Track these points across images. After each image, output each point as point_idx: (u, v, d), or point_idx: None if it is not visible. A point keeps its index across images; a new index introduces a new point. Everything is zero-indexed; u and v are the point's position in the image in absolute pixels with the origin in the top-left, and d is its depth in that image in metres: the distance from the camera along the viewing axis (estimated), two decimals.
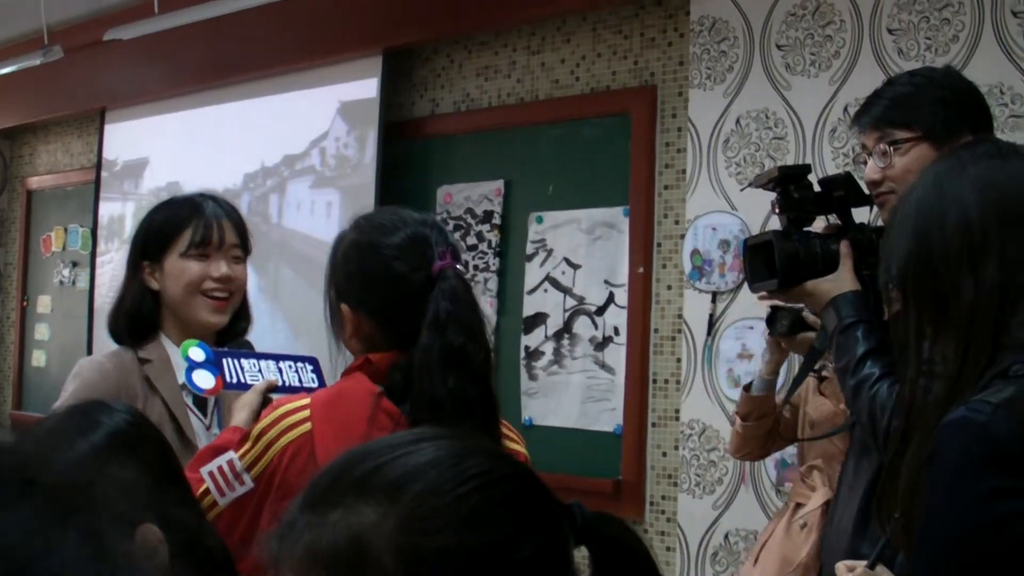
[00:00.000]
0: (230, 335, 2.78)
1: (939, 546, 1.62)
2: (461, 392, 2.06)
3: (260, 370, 2.49)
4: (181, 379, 2.56)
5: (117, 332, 2.75)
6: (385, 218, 2.24)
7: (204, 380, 2.46)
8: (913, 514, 1.68)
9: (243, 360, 2.50)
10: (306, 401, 2.16)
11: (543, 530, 1.07)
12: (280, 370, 2.50)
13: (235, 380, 2.47)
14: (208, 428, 2.65)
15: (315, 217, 5.58)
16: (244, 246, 2.76)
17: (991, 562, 1.58)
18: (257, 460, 2.14)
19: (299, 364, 2.53)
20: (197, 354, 2.48)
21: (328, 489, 1.05)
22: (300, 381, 2.50)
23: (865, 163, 2.53)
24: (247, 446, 2.16)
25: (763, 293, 2.65)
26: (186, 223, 2.70)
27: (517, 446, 2.25)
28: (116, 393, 2.55)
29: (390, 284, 2.15)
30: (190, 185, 6.05)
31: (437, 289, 2.09)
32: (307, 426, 2.11)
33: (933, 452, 1.64)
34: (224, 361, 2.48)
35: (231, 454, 2.16)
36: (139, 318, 2.71)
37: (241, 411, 2.33)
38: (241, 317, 2.80)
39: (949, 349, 1.74)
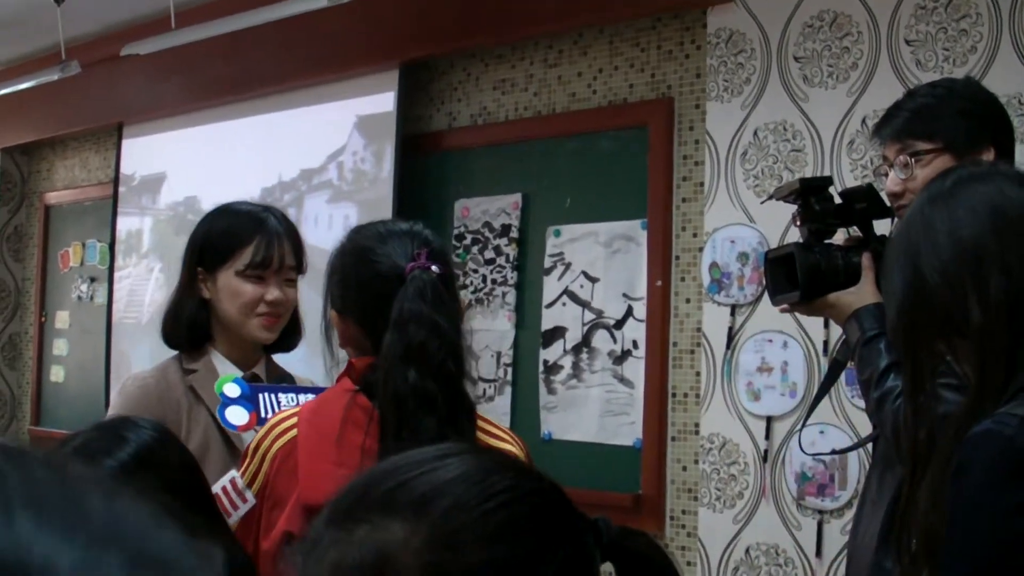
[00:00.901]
0: (278, 349, 2.80)
1: (964, 559, 1.61)
2: (421, 387, 2.07)
3: (297, 404, 2.46)
4: None
5: (175, 339, 2.73)
6: (372, 227, 2.29)
7: (237, 416, 2.44)
8: (935, 529, 1.67)
9: (280, 395, 2.48)
10: (297, 409, 2.21)
11: (569, 545, 1.06)
12: None
13: (270, 415, 2.44)
14: None
15: (332, 231, 5.57)
16: (299, 267, 2.75)
17: None
18: (256, 474, 2.17)
19: None
20: (232, 390, 2.46)
21: (353, 505, 1.04)
22: None
23: (886, 175, 2.52)
24: (247, 462, 2.18)
25: (784, 306, 2.64)
26: (247, 239, 2.66)
27: (512, 447, 2.25)
28: (158, 406, 2.55)
29: (367, 286, 2.19)
30: (208, 200, 6.07)
31: (402, 289, 2.11)
32: (293, 432, 2.15)
33: (959, 466, 1.63)
34: (260, 396, 2.46)
35: (233, 472, 2.19)
36: (197, 327, 2.69)
37: None
38: (293, 332, 2.80)
39: (966, 365, 1.73)
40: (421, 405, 2.07)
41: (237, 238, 2.67)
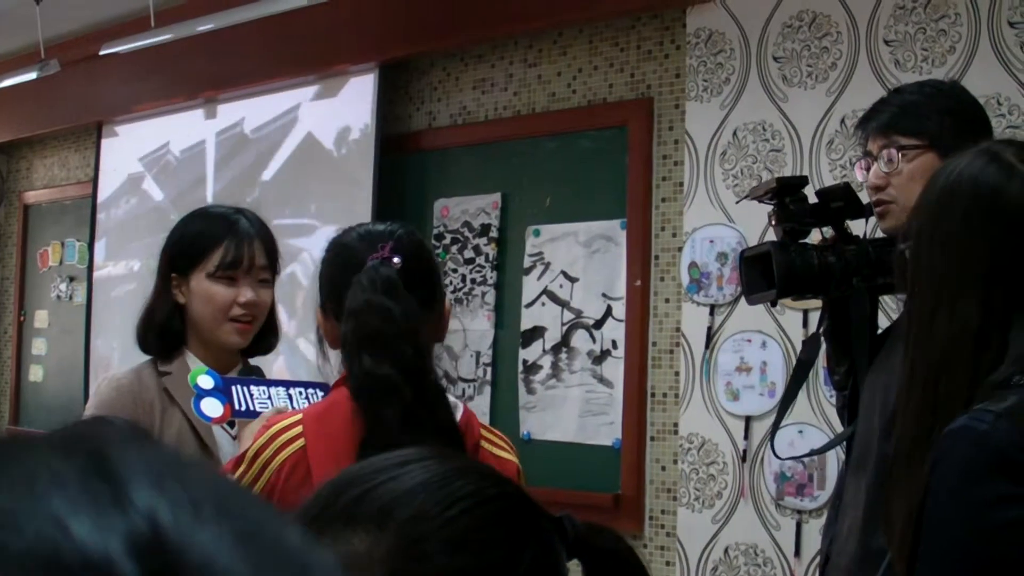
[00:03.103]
0: (256, 351, 2.78)
1: (943, 554, 1.62)
2: (378, 374, 2.04)
3: (270, 397, 2.45)
4: None
5: (147, 345, 2.72)
6: (354, 228, 2.27)
7: (212, 408, 2.43)
8: (915, 525, 1.67)
9: (252, 387, 2.47)
10: (299, 417, 2.15)
11: (534, 547, 1.05)
12: (290, 396, 2.46)
13: (244, 407, 2.43)
14: (235, 439, 2.61)
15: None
16: (273, 268, 2.74)
17: (995, 569, 1.58)
18: (255, 481, 2.12)
19: (309, 390, 2.49)
20: (206, 382, 2.44)
21: (316, 518, 1.03)
22: None
23: (867, 168, 2.52)
24: (243, 468, 2.14)
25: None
26: (217, 241, 2.66)
27: (508, 455, 2.24)
28: (132, 408, 2.55)
29: (337, 282, 2.17)
30: None
31: (356, 279, 2.09)
32: (301, 442, 2.10)
33: (935, 461, 1.63)
34: (233, 388, 2.45)
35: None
36: (170, 333, 2.68)
37: (248, 439, 2.30)
38: (269, 333, 2.78)
39: (932, 352, 1.74)
40: (379, 391, 2.04)
41: (207, 241, 2.67)
